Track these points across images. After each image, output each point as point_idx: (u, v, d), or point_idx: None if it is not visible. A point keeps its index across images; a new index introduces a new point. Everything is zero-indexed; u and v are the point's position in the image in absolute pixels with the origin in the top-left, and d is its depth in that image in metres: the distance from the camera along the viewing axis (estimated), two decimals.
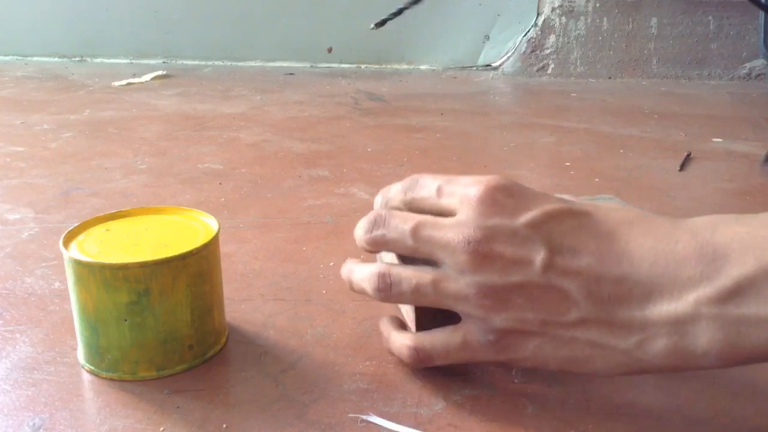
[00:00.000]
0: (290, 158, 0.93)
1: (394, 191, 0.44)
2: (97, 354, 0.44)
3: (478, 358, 0.40)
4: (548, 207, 0.38)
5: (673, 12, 1.47)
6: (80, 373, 0.45)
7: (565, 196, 0.41)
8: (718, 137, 0.99)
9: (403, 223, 0.40)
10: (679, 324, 0.34)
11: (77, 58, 1.74)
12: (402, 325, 0.44)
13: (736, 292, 0.33)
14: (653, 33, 1.50)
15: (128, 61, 1.71)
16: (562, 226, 0.37)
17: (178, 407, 0.41)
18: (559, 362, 0.38)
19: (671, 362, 0.35)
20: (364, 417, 0.40)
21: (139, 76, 1.51)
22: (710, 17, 1.46)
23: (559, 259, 0.36)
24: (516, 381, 0.43)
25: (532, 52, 1.54)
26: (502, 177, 0.39)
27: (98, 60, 1.73)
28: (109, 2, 1.69)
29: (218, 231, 0.46)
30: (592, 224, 0.37)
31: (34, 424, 0.40)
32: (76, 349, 0.46)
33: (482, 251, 0.37)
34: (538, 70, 1.54)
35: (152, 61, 1.70)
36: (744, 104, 1.26)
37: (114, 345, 0.43)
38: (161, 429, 0.39)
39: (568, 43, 1.53)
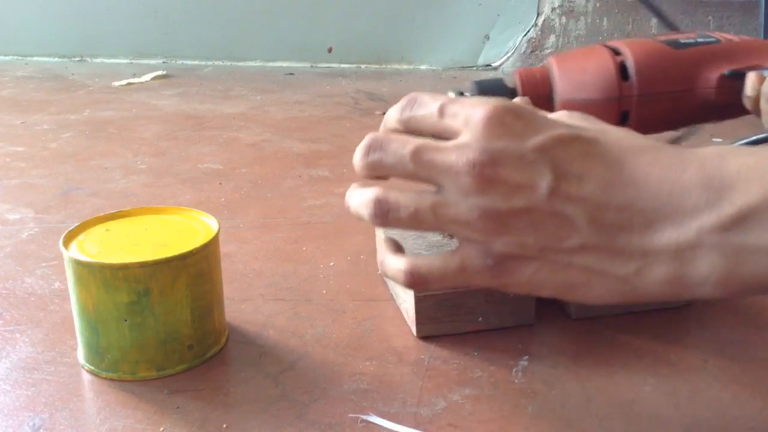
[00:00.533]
0: (290, 158, 0.93)
1: (392, 111, 0.42)
2: (97, 354, 0.44)
3: (474, 282, 0.39)
4: (557, 131, 0.36)
5: (673, 12, 1.47)
6: (80, 373, 0.45)
7: (574, 117, 0.40)
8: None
9: (401, 147, 0.38)
10: (680, 252, 0.33)
11: (77, 58, 1.74)
12: (398, 248, 0.43)
13: (739, 220, 0.32)
14: (653, 33, 1.49)
15: (128, 61, 1.71)
16: (570, 152, 0.36)
17: (178, 407, 0.41)
18: (555, 287, 0.37)
19: (668, 290, 0.34)
20: (364, 417, 0.40)
21: (139, 76, 1.51)
22: (710, 17, 1.46)
23: (564, 185, 0.35)
24: (516, 381, 0.43)
25: (532, 52, 1.54)
26: (509, 100, 0.38)
27: (98, 60, 1.73)
28: (109, 2, 1.69)
29: (218, 231, 0.46)
30: (601, 151, 0.36)
31: (34, 424, 0.40)
32: (76, 349, 0.46)
33: (487, 174, 0.36)
34: None
35: (152, 61, 1.70)
36: None
37: (114, 345, 0.43)
38: (161, 429, 0.39)
39: (568, 43, 1.53)
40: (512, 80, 0.68)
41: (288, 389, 0.43)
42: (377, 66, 1.64)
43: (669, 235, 0.34)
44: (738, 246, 0.32)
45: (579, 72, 0.67)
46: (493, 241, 0.37)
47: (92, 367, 0.44)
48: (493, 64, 1.60)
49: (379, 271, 0.43)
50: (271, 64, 1.67)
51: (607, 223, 0.35)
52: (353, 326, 0.50)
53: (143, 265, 0.42)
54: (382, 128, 0.43)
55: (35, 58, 1.75)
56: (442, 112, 0.39)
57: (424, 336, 0.48)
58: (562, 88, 0.67)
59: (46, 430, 0.39)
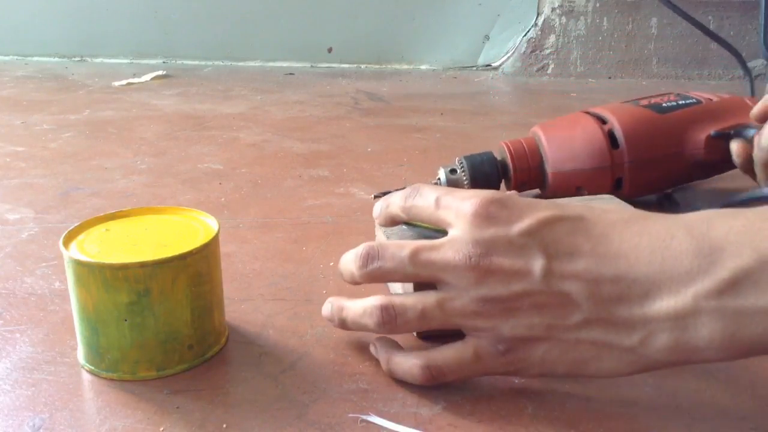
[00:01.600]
0: (290, 158, 0.93)
1: (396, 197, 0.44)
2: (97, 354, 0.44)
3: (488, 370, 0.40)
4: (541, 214, 0.38)
5: (673, 12, 1.47)
6: (80, 373, 0.45)
7: (561, 201, 0.41)
8: None
9: (399, 251, 0.40)
10: (680, 319, 0.34)
11: (77, 58, 1.74)
12: (398, 346, 0.44)
13: (734, 284, 0.33)
14: (653, 33, 1.50)
15: (128, 61, 1.71)
16: (557, 232, 0.38)
17: (178, 407, 0.41)
18: (568, 365, 0.38)
19: (675, 357, 0.35)
20: (364, 417, 0.40)
21: (139, 76, 1.51)
22: (710, 17, 1.46)
23: (557, 265, 0.37)
24: (516, 381, 0.43)
25: (532, 52, 1.54)
26: (497, 192, 0.40)
27: (98, 60, 1.73)
28: (109, 2, 1.69)
29: (218, 231, 0.46)
30: (586, 227, 0.38)
31: (34, 424, 0.40)
32: (76, 349, 0.46)
33: (484, 265, 0.38)
34: (538, 70, 1.54)
35: (152, 61, 1.70)
36: None
37: (114, 345, 0.43)
38: (161, 429, 0.39)
39: (568, 43, 1.53)
40: (501, 152, 0.70)
41: (288, 389, 0.43)
42: (377, 66, 1.64)
43: (667, 303, 0.35)
44: (736, 309, 0.33)
45: (568, 142, 0.68)
46: (501, 326, 0.38)
47: (92, 367, 0.44)
48: (493, 64, 1.60)
49: (384, 369, 0.44)
50: (271, 64, 1.67)
51: (605, 296, 0.36)
52: None
53: (143, 265, 0.42)
54: (383, 210, 0.46)
55: (35, 58, 1.75)
56: (437, 203, 0.41)
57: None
58: (552, 158, 0.68)
59: (46, 430, 0.39)
